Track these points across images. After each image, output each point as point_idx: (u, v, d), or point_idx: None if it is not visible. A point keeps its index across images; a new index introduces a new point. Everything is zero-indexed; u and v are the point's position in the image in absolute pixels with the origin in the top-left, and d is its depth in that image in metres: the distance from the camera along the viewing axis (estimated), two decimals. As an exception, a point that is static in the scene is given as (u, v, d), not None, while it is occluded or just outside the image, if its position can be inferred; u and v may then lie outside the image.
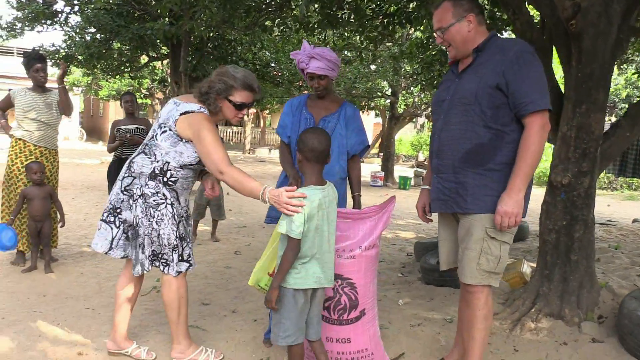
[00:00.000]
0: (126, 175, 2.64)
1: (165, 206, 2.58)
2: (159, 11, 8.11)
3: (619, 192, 14.32)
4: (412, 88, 14.27)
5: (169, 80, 11.12)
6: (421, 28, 6.23)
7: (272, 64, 12.13)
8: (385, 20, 5.94)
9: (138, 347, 2.82)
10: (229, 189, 10.84)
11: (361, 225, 2.72)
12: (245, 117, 24.56)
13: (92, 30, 9.84)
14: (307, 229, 2.27)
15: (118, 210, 2.65)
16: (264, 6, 6.37)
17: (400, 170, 17.38)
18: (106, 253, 2.68)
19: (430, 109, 12.83)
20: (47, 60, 5.49)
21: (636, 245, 5.74)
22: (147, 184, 2.57)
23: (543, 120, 2.24)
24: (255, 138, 28.42)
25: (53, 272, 4.34)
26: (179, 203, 2.65)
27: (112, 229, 2.66)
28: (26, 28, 10.04)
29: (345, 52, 11.12)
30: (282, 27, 7.19)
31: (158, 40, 9.72)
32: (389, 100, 14.93)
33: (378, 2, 5.96)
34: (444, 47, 2.71)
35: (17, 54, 23.67)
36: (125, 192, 2.62)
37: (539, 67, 2.29)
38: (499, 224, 2.24)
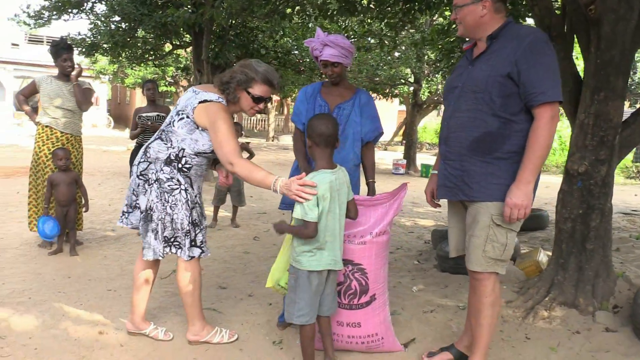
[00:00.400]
0: (142, 160, 2.72)
1: (180, 192, 2.65)
2: (181, -1, 8.21)
3: (649, 182, 13.97)
4: (436, 75, 14.10)
5: (192, 68, 11.23)
6: (442, 14, 6.16)
7: (294, 52, 12.12)
8: (406, 7, 5.89)
9: (156, 328, 2.92)
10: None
11: (372, 212, 2.76)
12: (269, 105, 24.74)
13: (117, 18, 9.98)
14: (320, 210, 2.35)
15: (135, 194, 2.76)
16: (283, -7, 6.39)
17: (424, 158, 17.25)
18: (121, 221, 2.82)
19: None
20: (74, 49, 5.62)
21: (659, 236, 5.63)
22: (162, 169, 2.65)
23: (553, 111, 2.22)
24: (279, 126, 28.53)
25: (78, 254, 4.50)
26: (193, 189, 2.72)
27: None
28: (53, 17, 10.22)
29: (370, 39, 11.05)
30: (301, 15, 7.18)
31: (181, 29, 9.81)
32: (412, 88, 14.80)
33: (398, -12, 5.91)
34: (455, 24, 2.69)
35: (47, 42, 24.21)
36: (140, 177, 2.71)
37: (552, 57, 2.27)
38: (507, 216, 2.25)
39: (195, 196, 2.75)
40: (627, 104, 18.07)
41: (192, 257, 2.74)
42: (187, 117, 2.63)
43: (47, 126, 4.66)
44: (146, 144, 2.79)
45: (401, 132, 23.58)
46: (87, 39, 10.40)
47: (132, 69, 18.81)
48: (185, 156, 2.66)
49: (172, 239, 2.69)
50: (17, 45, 24.56)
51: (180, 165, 2.66)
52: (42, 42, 25.03)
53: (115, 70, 19.58)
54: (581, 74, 3.55)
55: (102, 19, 10.30)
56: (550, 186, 9.65)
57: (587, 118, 3.30)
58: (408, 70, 14.45)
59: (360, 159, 3.08)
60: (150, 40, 11.08)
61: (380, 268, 2.76)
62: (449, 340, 2.92)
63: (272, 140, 24.96)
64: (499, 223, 2.32)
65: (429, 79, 14.46)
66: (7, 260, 4.24)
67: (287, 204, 3.00)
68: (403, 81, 14.66)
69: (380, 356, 2.78)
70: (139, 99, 24.81)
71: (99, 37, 10.25)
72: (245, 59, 2.76)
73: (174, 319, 3.17)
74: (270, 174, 2.47)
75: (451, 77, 2.62)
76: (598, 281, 3.33)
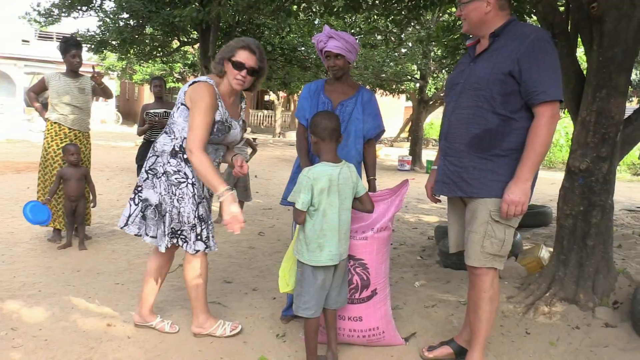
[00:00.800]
0: (151, 154, 2.79)
1: (187, 185, 2.70)
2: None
3: (657, 179, 13.91)
4: (442, 71, 14.09)
5: (199, 64, 11.31)
6: (447, 11, 6.17)
7: (300, 49, 12.17)
8: (411, 3, 5.90)
9: (162, 321, 2.99)
10: (256, 172, 10.95)
11: (374, 208, 2.80)
12: (276, 101, 24.80)
13: (125, 15, 10.09)
14: (319, 202, 2.42)
15: (139, 189, 2.81)
16: (289, -10, 6.43)
17: (430, 154, 17.23)
18: (122, 228, 2.85)
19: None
20: (83, 46, 5.71)
21: (663, 233, 5.64)
22: (169, 162, 2.70)
23: (553, 110, 2.25)
24: (286, 122, 28.56)
25: (87, 249, 4.58)
26: (200, 183, 2.75)
27: (130, 206, 2.83)
28: (63, 14, 10.33)
29: (377, 36, 11.05)
30: (307, 12, 7.22)
31: (188, 26, 9.89)
32: (418, 84, 14.79)
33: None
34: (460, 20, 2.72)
35: (57, 39, 24.36)
36: (149, 171, 2.77)
37: (554, 56, 2.30)
38: (505, 212, 2.28)
39: (203, 190, 2.78)
40: (635, 100, 17.92)
41: (198, 251, 2.80)
42: (182, 104, 2.69)
43: (55, 122, 4.74)
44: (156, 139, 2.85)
45: (407, 128, 23.54)
46: (96, 36, 10.51)
47: (140, 65, 18.94)
48: None
49: (178, 232, 2.75)
50: (28, 42, 24.73)
51: (185, 157, 2.69)
52: (52, 38, 25.19)
53: (123, 66, 19.73)
54: (584, 72, 3.57)
55: (111, 16, 10.41)
56: (555, 183, 9.61)
57: (588, 115, 3.32)
58: (414, 67, 14.44)
59: (362, 156, 3.11)
60: (158, 37, 11.18)
61: (382, 263, 2.81)
62: (449, 335, 2.97)
63: (279, 137, 25.01)
64: (497, 219, 2.35)
65: (435, 75, 14.45)
66: (17, 254, 4.33)
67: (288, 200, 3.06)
68: (409, 77, 14.65)
69: (381, 350, 2.83)
70: (147, 95, 24.96)
71: (107, 34, 10.37)
72: None
73: (180, 312, 3.23)
74: (223, 183, 2.53)
75: (453, 73, 2.65)
76: (598, 277, 3.36)
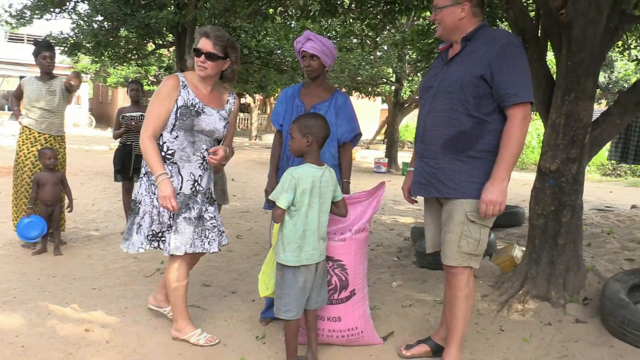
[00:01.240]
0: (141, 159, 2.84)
1: None
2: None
3: (623, 179, 14.31)
4: (418, 74, 14.27)
5: (175, 67, 11.23)
6: (422, 15, 6.28)
7: (276, 52, 12.18)
8: (386, 8, 6.00)
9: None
10: (233, 175, 10.89)
11: (352, 210, 2.85)
12: (252, 104, 24.71)
13: (100, 18, 9.95)
14: (301, 203, 2.47)
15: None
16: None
17: (406, 157, 17.41)
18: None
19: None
20: (56, 48, 5.64)
21: (629, 231, 5.82)
22: None
23: (525, 112, 2.33)
24: (262, 124, 28.51)
25: (62, 254, 4.52)
26: (180, 177, 2.72)
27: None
28: (35, 16, 10.14)
29: (353, 40, 11.14)
30: (283, 15, 7.26)
31: (164, 29, 9.81)
32: (393, 87, 14.96)
33: (378, -10, 6.02)
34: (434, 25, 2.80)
35: (28, 41, 23.87)
36: (142, 175, 2.82)
37: (524, 60, 2.38)
38: (483, 212, 2.35)
39: (181, 188, 2.74)
40: (604, 102, 18.43)
41: (173, 255, 2.76)
42: None
43: (26, 126, 4.70)
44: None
45: (383, 130, 23.73)
46: (70, 38, 10.34)
47: (114, 68, 18.69)
48: (165, 142, 2.71)
49: (158, 234, 2.75)
50: (-4, 43, 24.17)
51: (163, 153, 2.70)
52: (23, 40, 24.66)
53: (97, 69, 19.44)
54: (554, 76, 3.68)
55: (85, 18, 10.25)
56: (528, 183, 9.82)
57: (558, 118, 3.43)
58: (389, 70, 14.61)
59: (337, 159, 3.14)
60: (133, 39, 11.05)
61: (360, 264, 2.86)
62: (426, 333, 3.03)
63: (255, 139, 24.95)
64: (473, 219, 2.42)
65: (410, 78, 14.64)
66: (-10, 261, 4.25)
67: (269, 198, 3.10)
68: (385, 80, 14.81)
69: (360, 349, 2.87)
70: (121, 98, 24.61)
71: (81, 36, 10.20)
72: None
73: (161, 315, 3.22)
74: (161, 169, 2.62)
75: (427, 76, 2.71)
76: (569, 275, 3.47)
